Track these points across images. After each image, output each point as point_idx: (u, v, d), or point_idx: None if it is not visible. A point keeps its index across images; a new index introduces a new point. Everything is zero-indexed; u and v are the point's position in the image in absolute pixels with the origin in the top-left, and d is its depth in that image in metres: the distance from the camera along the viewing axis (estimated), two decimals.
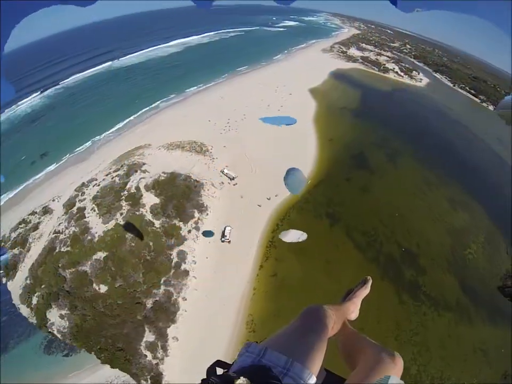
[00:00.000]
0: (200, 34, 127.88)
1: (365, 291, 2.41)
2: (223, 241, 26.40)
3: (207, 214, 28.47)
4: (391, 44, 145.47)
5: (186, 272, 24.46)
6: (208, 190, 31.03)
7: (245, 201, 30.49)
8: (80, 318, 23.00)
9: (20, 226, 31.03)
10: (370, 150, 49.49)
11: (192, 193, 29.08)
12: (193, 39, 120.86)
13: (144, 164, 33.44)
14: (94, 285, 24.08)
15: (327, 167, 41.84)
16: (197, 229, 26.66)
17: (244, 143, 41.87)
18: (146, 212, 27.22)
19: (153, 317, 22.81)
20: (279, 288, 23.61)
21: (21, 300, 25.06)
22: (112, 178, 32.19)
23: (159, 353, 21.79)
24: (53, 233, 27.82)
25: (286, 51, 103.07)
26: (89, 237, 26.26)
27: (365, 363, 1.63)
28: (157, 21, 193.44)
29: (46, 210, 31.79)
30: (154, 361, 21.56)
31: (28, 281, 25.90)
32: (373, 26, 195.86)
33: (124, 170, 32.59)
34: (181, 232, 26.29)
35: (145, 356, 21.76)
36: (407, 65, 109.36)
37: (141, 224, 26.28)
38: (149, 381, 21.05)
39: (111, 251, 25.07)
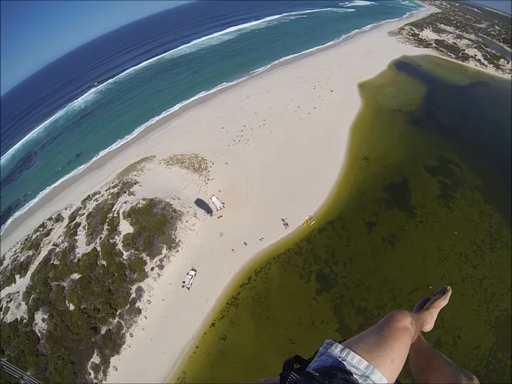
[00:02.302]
0: (260, 19, 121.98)
1: (444, 301, 2.26)
2: (182, 287, 25.49)
3: (177, 251, 27.62)
4: (477, 25, 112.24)
5: (139, 310, 24.70)
6: (187, 221, 29.85)
7: (223, 241, 27.69)
8: (53, 325, 25.97)
9: (40, 229, 36.47)
10: (419, 179, 35.94)
11: (166, 225, 28.52)
12: (249, 25, 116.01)
13: (136, 182, 34.31)
14: (66, 301, 26.65)
15: (346, 201, 32.07)
16: (161, 267, 26.25)
17: (249, 161, 37.39)
18: (119, 240, 28.11)
19: (102, 343, 24.17)
20: (223, 354, 21.48)
21: (23, 297, 29.59)
22: (107, 196, 34.30)
23: (100, 375, 23.39)
24: (52, 245, 31.75)
25: (345, 35, 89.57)
26: (71, 256, 28.92)
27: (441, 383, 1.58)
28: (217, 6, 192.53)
29: (58, 218, 36.27)
30: (94, 381, 23.18)
31: (30, 283, 30.52)
32: (457, 4, 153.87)
33: (118, 189, 34.24)
34: (144, 267, 26.36)
35: (89, 373, 23.64)
36: (493, 51, 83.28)
37: (111, 252, 27.38)
38: None
39: (83, 275, 27.12)
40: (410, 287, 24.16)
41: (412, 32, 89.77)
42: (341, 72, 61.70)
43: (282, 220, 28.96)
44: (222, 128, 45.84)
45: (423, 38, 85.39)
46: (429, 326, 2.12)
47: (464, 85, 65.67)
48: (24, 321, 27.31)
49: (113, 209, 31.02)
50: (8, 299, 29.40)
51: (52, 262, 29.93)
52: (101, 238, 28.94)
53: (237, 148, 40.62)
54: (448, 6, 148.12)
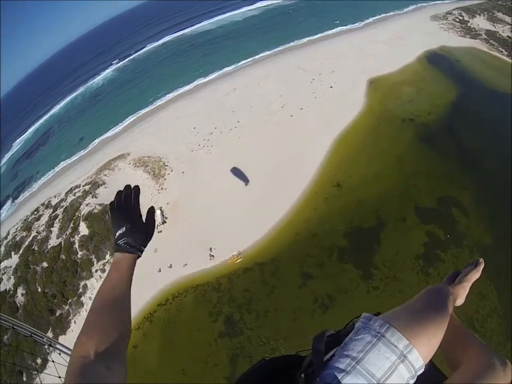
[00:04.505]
0: None
1: (476, 274, 2.14)
2: None
3: None
4: None
5: (82, 304, 29.64)
6: None
7: (155, 257, 28.19)
8: (27, 301, 32.41)
9: (34, 213, 42.98)
10: (400, 226, 26.20)
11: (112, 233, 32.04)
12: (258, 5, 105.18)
13: (103, 183, 37.78)
14: (36, 284, 32.74)
15: (290, 241, 26.82)
16: (103, 271, 30.38)
17: (204, 173, 35.17)
18: (77, 240, 32.59)
19: (55, 323, 29.95)
20: (131, 361, 25.04)
21: (12, 272, 36.72)
22: (81, 193, 38.63)
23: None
24: (36, 232, 37.83)
25: (378, 16, 74.11)
26: (45, 246, 34.53)
27: (472, 365, 1.38)
28: None
29: (47, 205, 42.22)
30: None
31: (18, 261, 37.48)
32: None
33: (89, 187, 38.25)
34: (91, 268, 30.76)
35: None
36: None
37: (70, 250, 32.14)
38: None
39: (49, 265, 32.61)
40: None
41: (460, 18, 73.57)
42: (353, 62, 52.23)
43: (210, 249, 28.43)
44: (194, 128, 43.24)
45: (472, 27, 69.66)
46: (460, 300, 2.01)
47: (510, 93, 53.83)
48: (11, 292, 34.42)
49: (80, 208, 35.35)
50: (3, 271, 36.83)
51: (33, 247, 36.13)
52: (66, 234, 33.79)
53: (198, 155, 38.05)
54: None
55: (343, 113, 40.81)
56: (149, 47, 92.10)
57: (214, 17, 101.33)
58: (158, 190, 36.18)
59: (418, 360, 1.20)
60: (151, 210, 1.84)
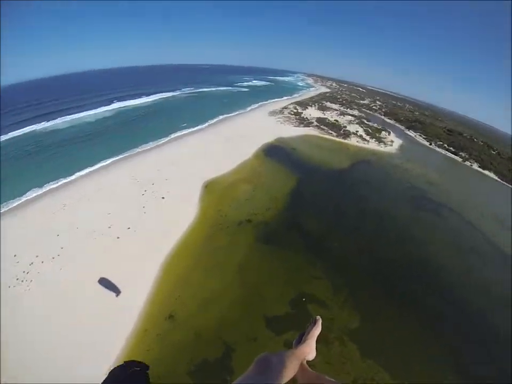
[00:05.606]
0: (152, 95, 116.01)
1: (317, 330, 2.44)
2: None
3: None
4: (360, 102, 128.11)
5: None
6: None
7: None
8: None
9: None
10: (252, 346, 21.55)
11: None
12: (138, 102, 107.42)
13: None
14: None
15: None
16: None
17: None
18: None
19: None
20: None
21: None
22: None
23: None
24: None
25: (221, 117, 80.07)
26: None
27: None
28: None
29: None
30: None
31: None
32: (345, 85, 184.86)
33: None
34: None
35: None
36: (375, 125, 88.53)
37: None
38: None
39: None
40: None
41: (295, 111, 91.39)
42: (188, 167, 47.93)
43: None
44: (14, 256, 28.35)
45: (305, 117, 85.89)
46: (311, 355, 2.23)
47: (344, 167, 58.98)
48: None
49: None
50: None
51: None
52: None
53: (15, 293, 25.55)
54: (338, 86, 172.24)
55: (173, 229, 32.89)
56: None
57: (72, 114, 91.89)
58: None
59: None
60: None
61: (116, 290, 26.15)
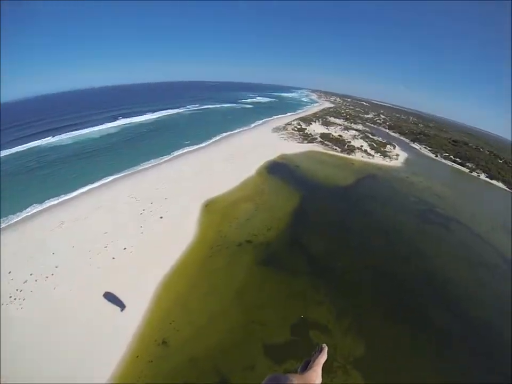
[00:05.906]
0: (157, 112, 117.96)
1: (323, 357, 2.46)
2: None
3: None
4: (364, 116, 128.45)
5: None
6: None
7: None
8: None
9: None
10: (250, 375, 19.71)
11: None
12: (143, 118, 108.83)
13: None
14: None
15: None
16: None
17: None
18: None
19: None
20: None
21: None
22: None
23: None
24: None
25: (225, 134, 79.55)
26: None
27: None
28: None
29: None
30: None
31: None
32: (349, 99, 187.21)
33: None
34: None
35: None
36: (379, 139, 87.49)
37: None
38: None
39: None
40: None
41: (298, 127, 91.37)
42: (188, 186, 46.55)
43: None
44: (9, 273, 28.21)
45: (308, 133, 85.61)
46: (317, 382, 2.25)
47: (349, 183, 56.88)
48: None
49: None
50: None
51: None
52: None
53: (8, 310, 25.02)
54: (341, 101, 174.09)
55: (171, 250, 31.58)
56: None
57: (77, 130, 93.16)
58: None
59: None
60: None
61: (110, 312, 24.84)
